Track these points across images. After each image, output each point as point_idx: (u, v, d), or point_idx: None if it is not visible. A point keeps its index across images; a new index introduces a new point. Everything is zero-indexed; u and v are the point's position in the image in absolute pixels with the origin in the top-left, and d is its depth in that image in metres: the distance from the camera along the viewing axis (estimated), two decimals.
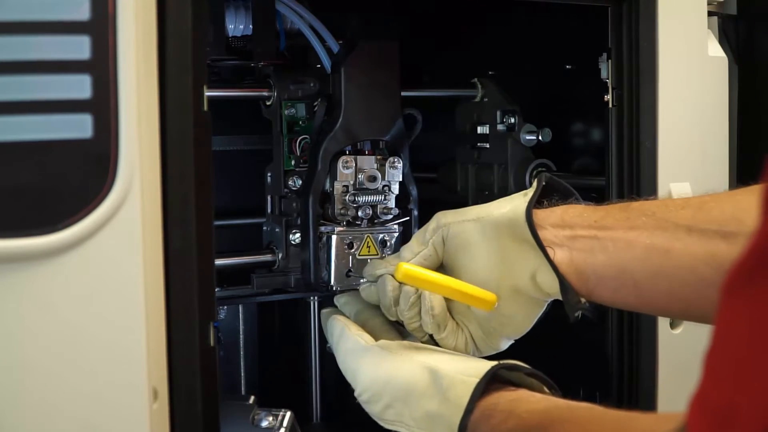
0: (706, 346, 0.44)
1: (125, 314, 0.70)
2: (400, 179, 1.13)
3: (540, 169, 1.21)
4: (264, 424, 0.98)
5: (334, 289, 1.11)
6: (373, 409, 0.84)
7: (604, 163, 1.07)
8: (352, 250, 1.11)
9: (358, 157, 1.11)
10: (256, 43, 1.11)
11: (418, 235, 0.92)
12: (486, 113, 1.26)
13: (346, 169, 1.10)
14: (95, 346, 0.69)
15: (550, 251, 0.82)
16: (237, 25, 1.11)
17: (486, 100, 1.26)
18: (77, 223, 0.66)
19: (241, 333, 1.30)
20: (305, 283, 1.13)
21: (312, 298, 1.24)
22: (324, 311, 0.98)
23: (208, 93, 0.77)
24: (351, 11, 1.11)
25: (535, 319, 0.88)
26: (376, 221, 1.13)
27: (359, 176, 1.11)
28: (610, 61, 1.05)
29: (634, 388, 1.07)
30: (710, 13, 1.12)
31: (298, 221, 1.14)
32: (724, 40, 1.20)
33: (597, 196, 0.90)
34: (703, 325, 0.79)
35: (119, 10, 0.67)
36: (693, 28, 1.10)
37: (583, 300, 0.83)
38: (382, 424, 0.84)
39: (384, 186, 1.12)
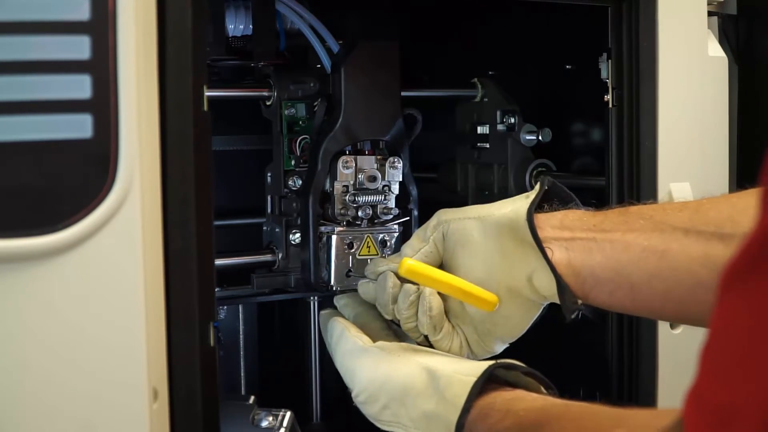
0: (703, 341, 0.43)
1: (125, 314, 0.70)
2: (400, 179, 1.13)
3: (540, 169, 1.21)
4: (264, 424, 0.98)
5: (334, 289, 1.11)
6: (370, 411, 0.84)
7: (604, 163, 1.07)
8: (352, 250, 1.11)
9: (358, 157, 1.11)
10: (256, 43, 1.11)
11: (418, 233, 0.92)
12: (486, 113, 1.26)
13: (346, 169, 1.10)
14: (95, 346, 0.69)
15: (548, 251, 0.82)
16: (237, 25, 1.11)
17: (486, 100, 1.26)
18: (77, 223, 0.66)
19: (241, 333, 1.30)
20: (305, 283, 1.13)
21: (312, 298, 1.24)
22: (323, 312, 0.98)
23: (208, 93, 0.77)
24: (351, 11, 1.11)
25: (530, 323, 0.88)
26: (376, 221, 1.13)
27: (359, 176, 1.11)
28: (610, 61, 1.05)
29: (634, 388, 1.07)
30: (710, 13, 1.12)
31: (298, 221, 1.14)
32: (724, 40, 1.20)
33: (597, 202, 0.90)
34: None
35: (119, 10, 0.67)
36: (693, 28, 1.10)
37: (579, 301, 0.83)
38: (379, 425, 0.85)
39: (384, 186, 1.12)
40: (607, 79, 1.06)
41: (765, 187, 0.41)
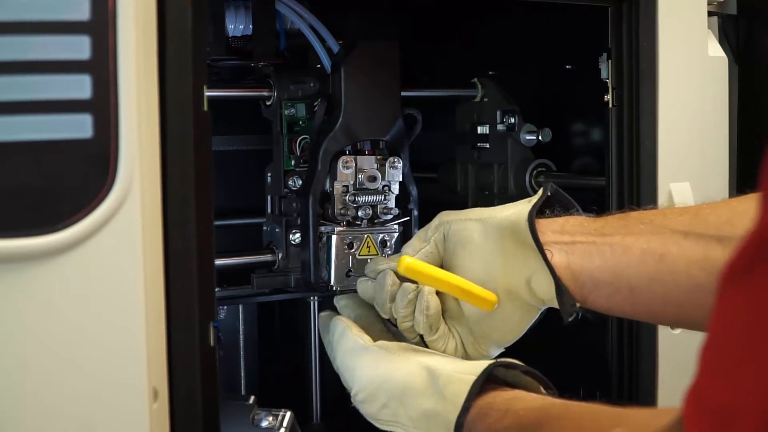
0: (703, 339, 0.43)
1: (125, 314, 0.70)
2: (400, 179, 1.13)
3: (540, 169, 1.21)
4: (264, 424, 0.98)
5: (334, 289, 1.11)
6: (369, 410, 0.84)
7: (604, 163, 1.07)
8: (352, 250, 1.11)
9: (358, 157, 1.11)
10: (256, 43, 1.11)
11: (420, 233, 0.93)
12: (486, 113, 1.26)
13: (346, 169, 1.10)
14: (95, 346, 0.69)
15: (548, 254, 0.82)
16: (237, 25, 1.11)
17: (486, 100, 1.26)
18: (77, 223, 0.66)
19: (241, 333, 1.30)
20: (305, 283, 1.13)
21: (312, 298, 1.24)
22: (323, 314, 0.98)
23: (208, 93, 0.77)
24: (351, 11, 1.11)
25: (527, 327, 0.88)
26: (376, 221, 1.13)
27: (359, 176, 1.11)
28: (610, 61, 1.05)
29: (634, 388, 1.07)
30: (710, 13, 1.12)
31: (298, 221, 1.14)
32: (724, 40, 1.20)
33: (597, 208, 0.90)
34: None
35: (119, 10, 0.67)
36: (693, 28, 1.10)
37: (578, 304, 0.83)
38: (378, 425, 0.85)
39: (384, 186, 1.12)
40: (607, 79, 1.06)
41: (765, 186, 0.41)
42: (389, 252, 1.12)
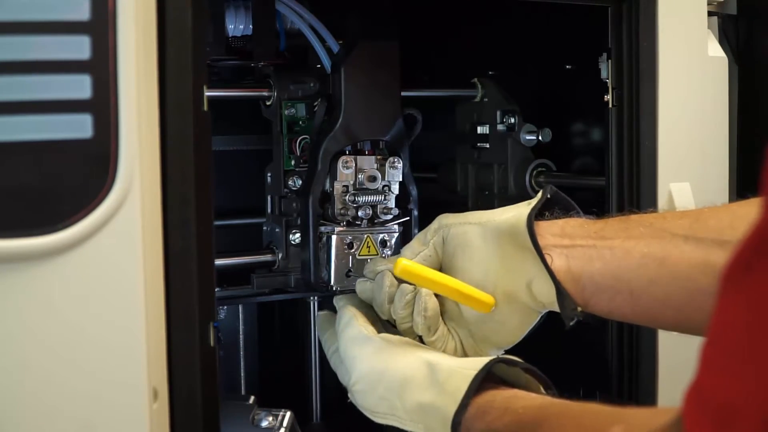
0: (704, 337, 0.43)
1: (125, 314, 0.70)
2: (400, 179, 1.13)
3: (540, 169, 1.21)
4: (264, 424, 0.98)
5: (334, 289, 1.11)
6: (367, 400, 0.84)
7: (604, 163, 1.07)
8: (352, 250, 1.11)
9: (358, 157, 1.11)
10: (256, 43, 1.11)
11: (419, 236, 0.93)
12: (486, 113, 1.26)
13: (346, 169, 1.10)
14: (95, 346, 0.69)
15: (548, 258, 0.82)
16: (237, 25, 1.11)
17: (486, 100, 1.26)
18: (77, 223, 0.66)
19: (241, 333, 1.30)
20: (305, 283, 1.13)
21: (312, 298, 1.24)
22: (320, 313, 0.98)
23: (208, 93, 0.77)
24: (351, 11, 1.11)
25: (527, 331, 0.88)
26: (376, 221, 1.13)
27: (359, 176, 1.11)
28: (610, 61, 1.05)
29: (634, 388, 1.07)
30: (710, 13, 1.12)
31: (298, 221, 1.14)
32: (724, 40, 1.20)
33: (597, 210, 0.90)
34: None
35: (119, 10, 0.67)
36: (693, 28, 1.10)
37: (579, 308, 0.83)
38: (373, 417, 0.84)
39: (384, 186, 1.12)
40: (607, 79, 1.06)
41: (766, 187, 0.41)
42: (389, 252, 1.12)
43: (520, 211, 0.86)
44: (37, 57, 0.65)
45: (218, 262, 1.00)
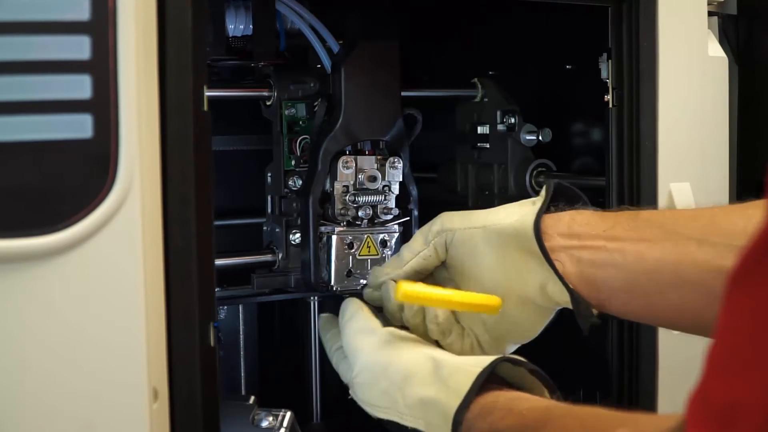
0: (709, 340, 0.43)
1: (125, 314, 0.70)
2: (400, 179, 1.13)
3: (540, 169, 1.21)
4: (264, 424, 0.98)
5: (334, 289, 1.11)
6: (368, 394, 0.83)
7: (604, 163, 1.07)
8: (352, 250, 1.11)
9: (358, 157, 1.11)
10: (256, 43, 1.11)
11: (420, 235, 0.91)
12: (486, 113, 1.26)
13: (346, 169, 1.10)
14: (95, 346, 0.69)
15: (558, 265, 0.81)
16: (237, 25, 1.11)
17: (486, 100, 1.26)
18: (77, 223, 0.66)
19: (241, 333, 1.30)
20: (305, 283, 1.13)
21: (312, 298, 1.24)
22: (323, 315, 0.97)
23: (208, 93, 0.77)
24: (351, 11, 1.11)
25: (543, 326, 0.88)
26: (376, 221, 1.13)
27: (359, 176, 1.11)
28: (610, 61, 1.05)
29: (634, 389, 1.06)
30: (710, 13, 1.12)
31: (298, 221, 1.14)
32: (724, 40, 1.20)
33: (602, 200, 0.89)
34: None
35: (119, 10, 0.67)
36: (693, 28, 1.10)
37: (594, 311, 0.82)
38: (373, 411, 0.83)
39: (384, 186, 1.12)
40: (607, 79, 1.06)
41: None
42: (389, 252, 1.12)
43: (525, 212, 0.84)
44: (37, 57, 0.65)
45: (218, 262, 1.00)
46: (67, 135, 0.66)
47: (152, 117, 0.72)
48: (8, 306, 0.66)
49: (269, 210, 1.18)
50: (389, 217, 1.13)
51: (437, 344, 0.88)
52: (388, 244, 1.13)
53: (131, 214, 0.69)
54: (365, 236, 1.12)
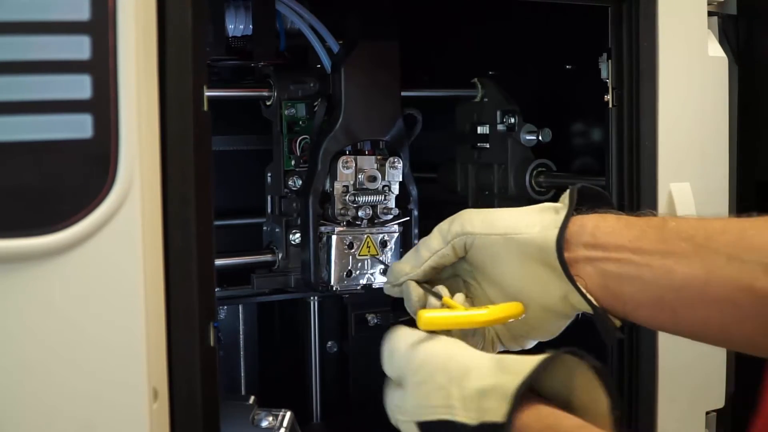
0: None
1: (125, 314, 0.70)
2: (400, 179, 1.13)
3: (540, 169, 1.21)
4: (264, 424, 0.98)
5: (334, 289, 1.11)
6: (421, 393, 0.78)
7: (604, 163, 1.07)
8: (353, 250, 1.11)
9: (358, 157, 1.11)
10: (256, 43, 1.11)
11: (438, 233, 0.89)
12: (486, 113, 1.26)
13: (346, 169, 1.10)
14: (95, 346, 0.69)
15: (581, 281, 0.80)
16: (237, 25, 1.11)
17: (486, 100, 1.26)
18: (77, 223, 0.66)
19: (241, 333, 1.30)
20: (305, 283, 1.13)
21: (312, 298, 1.24)
22: (394, 326, 0.89)
23: (208, 93, 0.77)
24: (351, 11, 1.12)
25: (564, 327, 0.88)
26: (376, 221, 1.13)
27: (359, 176, 1.11)
28: (610, 61, 1.05)
29: (634, 389, 1.06)
30: (710, 13, 1.12)
31: (298, 221, 1.14)
32: (724, 40, 1.20)
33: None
34: None
35: (119, 10, 0.67)
36: (693, 28, 1.10)
37: (618, 323, 0.82)
38: (419, 414, 0.78)
39: (384, 186, 1.12)
40: (607, 79, 1.06)
41: None
42: (390, 252, 1.12)
43: (546, 226, 0.83)
44: (37, 57, 0.65)
45: (218, 262, 1.00)
46: (67, 135, 0.66)
47: (152, 117, 0.72)
48: (8, 306, 0.66)
49: (269, 210, 1.18)
50: (389, 217, 1.13)
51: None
52: (388, 244, 1.13)
53: (131, 214, 0.69)
54: (365, 236, 1.12)
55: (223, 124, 1.22)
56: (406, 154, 1.14)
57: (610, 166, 1.06)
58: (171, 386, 0.74)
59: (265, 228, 1.19)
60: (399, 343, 0.83)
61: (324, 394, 1.25)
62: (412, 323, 0.87)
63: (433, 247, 0.89)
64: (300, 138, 1.15)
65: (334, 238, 1.10)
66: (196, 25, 0.74)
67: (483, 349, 0.88)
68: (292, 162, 1.15)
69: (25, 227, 0.65)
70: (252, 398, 1.01)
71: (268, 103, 1.16)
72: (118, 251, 0.69)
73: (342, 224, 1.11)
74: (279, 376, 1.32)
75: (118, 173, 0.68)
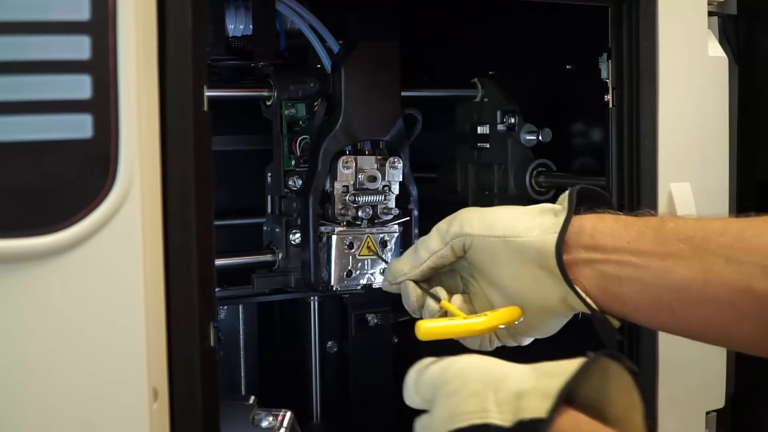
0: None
1: (125, 314, 0.70)
2: (400, 179, 1.14)
3: (540, 169, 1.21)
4: (264, 424, 0.98)
5: (334, 289, 1.11)
6: (453, 402, 0.74)
7: (604, 163, 1.07)
8: (353, 250, 1.11)
9: (358, 157, 1.11)
10: (256, 43, 1.11)
11: (437, 233, 0.90)
12: (486, 113, 1.26)
13: (346, 169, 1.10)
14: (95, 346, 0.69)
15: (579, 284, 0.81)
16: (237, 25, 1.11)
17: (486, 100, 1.26)
18: (77, 223, 0.66)
19: (241, 333, 1.30)
20: (305, 283, 1.13)
21: (312, 298, 1.24)
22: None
23: (208, 93, 0.77)
24: (351, 11, 1.12)
25: (563, 325, 0.88)
26: (376, 221, 1.13)
27: (359, 176, 1.11)
28: (610, 61, 1.05)
29: None
30: (710, 13, 1.12)
31: (298, 221, 1.14)
32: (724, 40, 1.20)
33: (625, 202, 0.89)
34: None
35: (119, 10, 0.67)
36: (693, 28, 1.10)
37: (618, 325, 0.82)
38: (451, 425, 0.73)
39: (384, 186, 1.13)
40: (607, 79, 1.06)
41: None
42: (390, 252, 1.12)
43: (546, 230, 0.83)
44: (37, 57, 0.65)
45: (218, 262, 1.00)
46: (67, 135, 0.66)
47: (152, 117, 0.72)
48: (8, 306, 0.66)
49: (269, 210, 1.18)
50: (389, 217, 1.13)
51: None
52: (388, 244, 1.13)
53: (131, 214, 0.69)
54: (365, 236, 1.12)
55: (223, 124, 1.22)
56: (406, 154, 1.14)
57: (610, 166, 1.06)
58: (171, 386, 0.74)
59: (265, 228, 1.19)
60: (426, 363, 0.78)
61: (324, 394, 1.25)
62: (412, 323, 0.87)
63: (432, 247, 0.89)
64: (300, 138, 1.15)
65: (334, 238, 1.10)
66: (196, 25, 0.74)
67: (480, 344, 0.89)
68: (292, 162, 1.15)
69: (25, 227, 0.65)
70: (252, 398, 1.01)
71: (268, 103, 1.16)
72: (118, 251, 0.69)
73: (342, 224, 1.11)
74: (279, 376, 1.32)
75: (118, 173, 0.68)
